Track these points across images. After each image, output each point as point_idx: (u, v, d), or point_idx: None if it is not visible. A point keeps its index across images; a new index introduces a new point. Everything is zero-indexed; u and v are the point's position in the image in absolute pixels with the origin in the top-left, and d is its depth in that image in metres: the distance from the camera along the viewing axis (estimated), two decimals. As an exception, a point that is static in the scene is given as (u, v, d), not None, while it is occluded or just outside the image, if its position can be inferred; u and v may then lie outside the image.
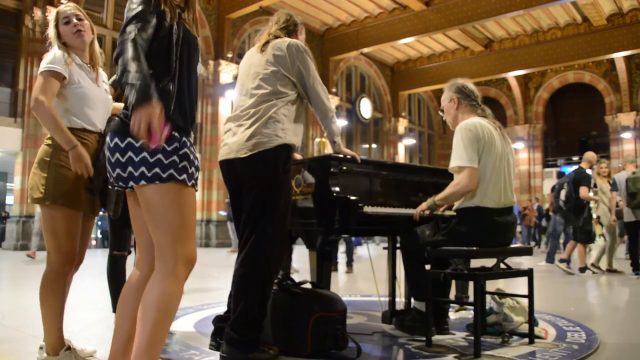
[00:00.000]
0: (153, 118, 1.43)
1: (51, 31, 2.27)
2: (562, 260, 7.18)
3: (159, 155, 1.59)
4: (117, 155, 1.63)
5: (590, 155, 7.41)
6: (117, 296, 1.84)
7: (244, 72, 2.52)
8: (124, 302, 1.74)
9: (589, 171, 7.27)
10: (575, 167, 8.24)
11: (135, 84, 1.46)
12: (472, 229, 2.67)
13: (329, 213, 2.58)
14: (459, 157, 2.67)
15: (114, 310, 2.61)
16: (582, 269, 7.03)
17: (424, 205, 2.80)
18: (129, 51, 1.52)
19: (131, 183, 1.63)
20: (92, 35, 2.33)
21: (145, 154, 1.59)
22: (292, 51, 2.40)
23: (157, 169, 1.59)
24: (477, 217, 2.68)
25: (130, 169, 1.61)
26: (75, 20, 2.25)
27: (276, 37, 2.49)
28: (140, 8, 1.61)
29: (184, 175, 1.62)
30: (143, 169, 1.59)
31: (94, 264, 7.75)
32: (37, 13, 11.84)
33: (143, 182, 1.60)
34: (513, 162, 2.84)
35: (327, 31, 18.86)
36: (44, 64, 2.13)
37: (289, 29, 2.56)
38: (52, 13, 2.34)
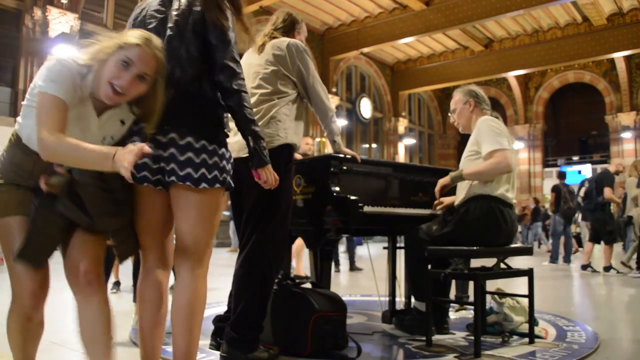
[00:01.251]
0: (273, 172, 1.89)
1: (106, 43, 1.58)
2: (606, 269, 7.05)
3: (204, 156, 1.65)
4: (173, 149, 1.65)
5: (619, 161, 7.91)
6: None
7: (244, 73, 2.50)
8: (147, 300, 1.74)
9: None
10: (575, 167, 8.46)
11: (259, 143, 1.82)
12: (481, 216, 2.68)
13: (329, 213, 2.58)
14: (493, 143, 2.70)
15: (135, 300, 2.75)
16: (585, 266, 7.02)
17: (447, 179, 2.83)
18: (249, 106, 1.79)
19: (172, 178, 1.64)
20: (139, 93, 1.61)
21: (190, 153, 1.64)
22: (292, 51, 2.39)
23: (203, 170, 1.64)
24: (488, 205, 2.70)
25: (174, 165, 1.64)
26: (132, 74, 1.54)
27: (272, 37, 2.48)
28: (234, 43, 1.78)
29: (224, 175, 1.70)
30: (189, 170, 1.64)
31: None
32: (37, 13, 11.82)
33: (188, 183, 1.64)
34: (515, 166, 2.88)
35: (327, 31, 18.84)
36: (43, 79, 1.52)
37: (286, 28, 2.55)
38: (126, 33, 1.62)
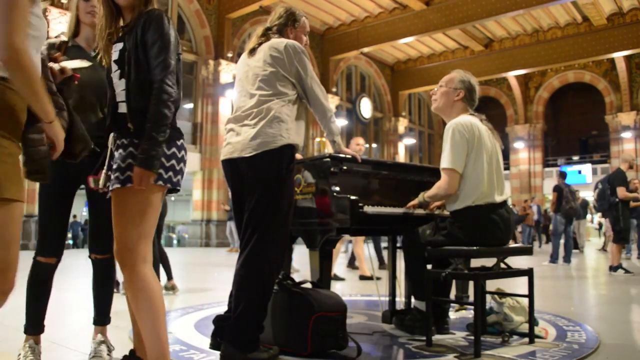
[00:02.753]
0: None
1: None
2: (612, 268, 6.99)
3: None
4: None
5: (627, 155, 7.52)
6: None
7: (243, 74, 2.50)
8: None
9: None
10: (575, 167, 8.36)
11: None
12: (467, 229, 2.68)
13: (329, 213, 2.58)
14: (445, 158, 2.72)
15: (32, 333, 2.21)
16: (614, 268, 6.96)
17: (415, 202, 2.87)
18: None
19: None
20: None
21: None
22: (290, 52, 2.38)
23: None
24: (470, 217, 2.69)
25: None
26: None
27: (266, 37, 2.48)
28: None
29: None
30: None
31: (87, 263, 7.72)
32: (37, 13, 11.85)
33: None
34: (501, 161, 2.88)
35: (327, 31, 18.86)
36: None
37: (281, 26, 2.53)
38: None
